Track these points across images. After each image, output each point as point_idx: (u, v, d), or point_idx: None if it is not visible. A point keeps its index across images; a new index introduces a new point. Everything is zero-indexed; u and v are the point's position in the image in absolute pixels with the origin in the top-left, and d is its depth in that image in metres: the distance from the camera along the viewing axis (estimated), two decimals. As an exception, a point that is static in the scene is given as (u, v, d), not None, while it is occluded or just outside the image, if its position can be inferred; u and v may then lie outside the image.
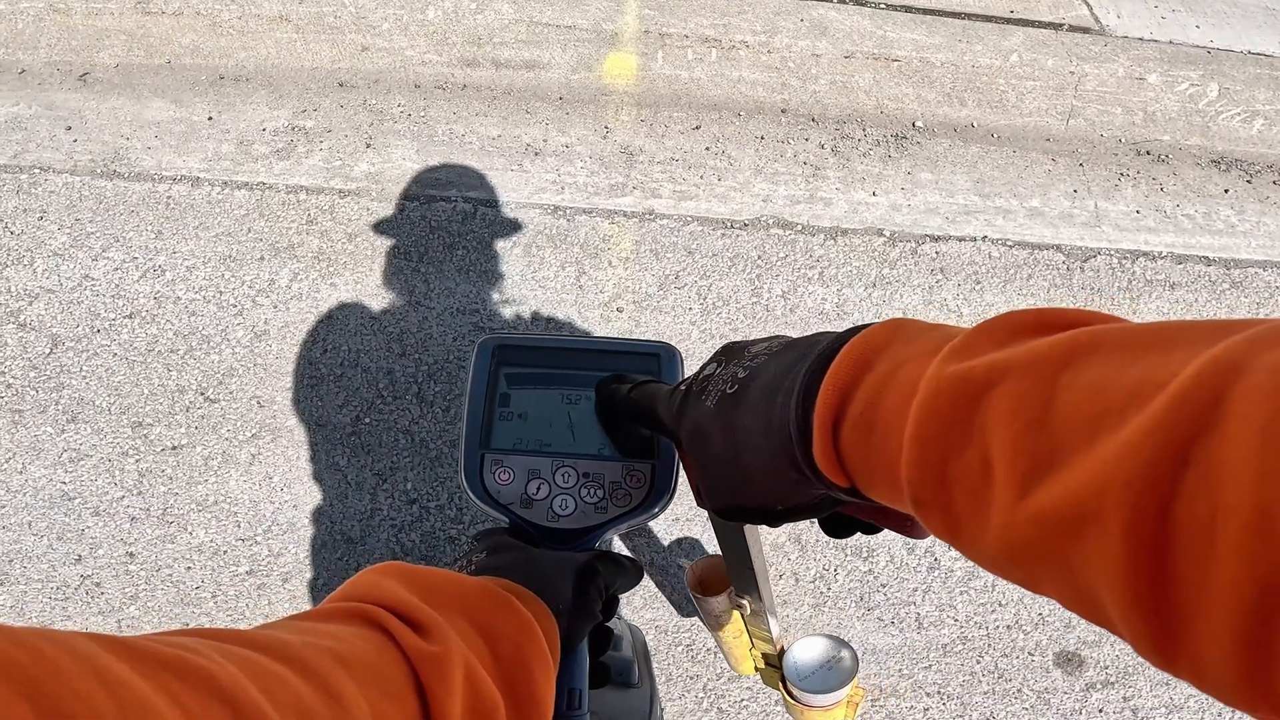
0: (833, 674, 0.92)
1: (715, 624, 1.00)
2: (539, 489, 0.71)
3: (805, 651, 0.94)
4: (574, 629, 0.63)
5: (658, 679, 2.04)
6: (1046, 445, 0.34)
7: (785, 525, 2.13)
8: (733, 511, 0.56)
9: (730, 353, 0.57)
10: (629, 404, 0.67)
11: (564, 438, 0.73)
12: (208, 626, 0.45)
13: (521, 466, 0.72)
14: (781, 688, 0.99)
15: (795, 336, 0.53)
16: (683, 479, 0.67)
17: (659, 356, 0.75)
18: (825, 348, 0.47)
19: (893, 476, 0.42)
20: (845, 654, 0.93)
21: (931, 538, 2.16)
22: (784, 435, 0.47)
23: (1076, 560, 0.33)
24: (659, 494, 0.71)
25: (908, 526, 0.53)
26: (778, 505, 0.52)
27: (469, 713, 0.50)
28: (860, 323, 0.48)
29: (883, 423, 0.42)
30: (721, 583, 0.94)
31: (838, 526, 0.57)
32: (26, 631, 0.32)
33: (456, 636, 0.52)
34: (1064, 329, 0.38)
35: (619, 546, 2.19)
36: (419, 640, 0.50)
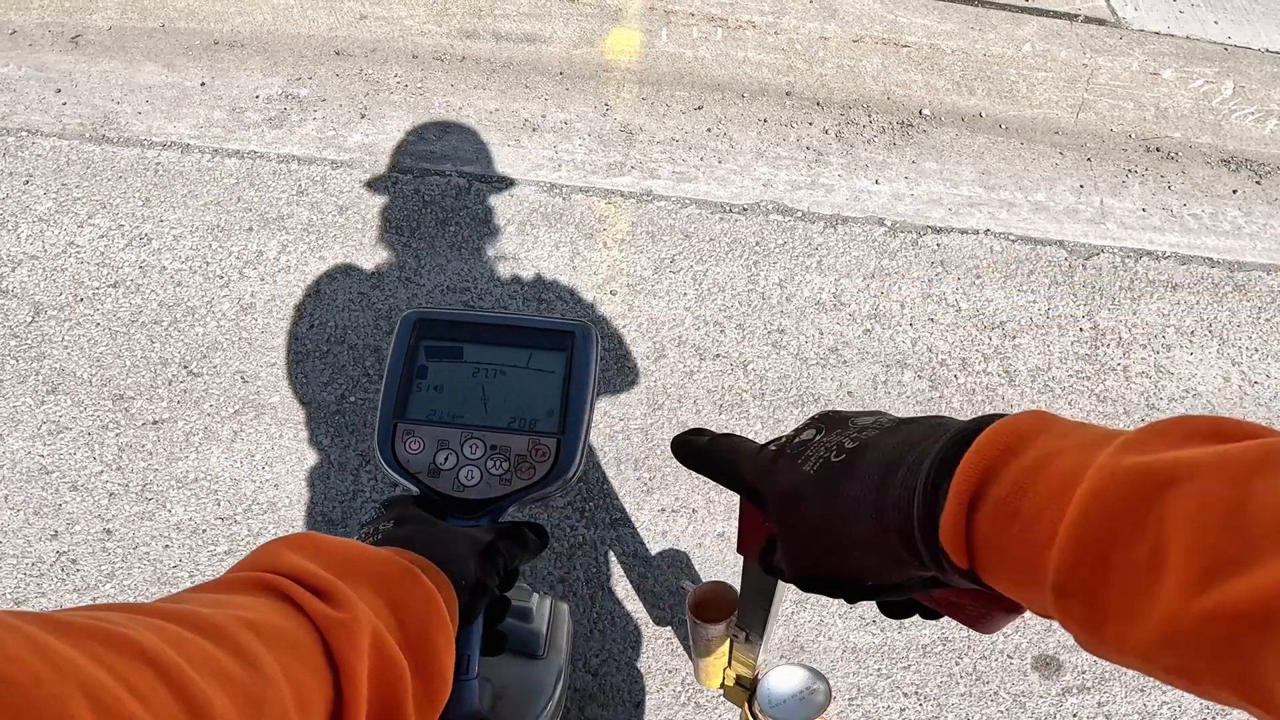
0: (804, 705, 0.90)
1: (704, 650, 0.99)
2: (447, 459, 0.73)
3: (782, 680, 0.93)
4: (474, 603, 0.65)
5: (640, 672, 2.02)
6: (1235, 544, 0.35)
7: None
8: (815, 581, 0.56)
9: (832, 421, 0.58)
10: (707, 456, 0.66)
11: (476, 410, 0.75)
12: (118, 602, 0.46)
13: (432, 437, 0.73)
14: (747, 709, 0.97)
15: (901, 416, 0.54)
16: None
17: (574, 334, 0.77)
18: (961, 429, 0.48)
19: (1032, 563, 0.42)
20: (820, 687, 0.91)
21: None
22: (902, 511, 0.48)
23: (1258, 658, 0.33)
24: (563, 469, 0.73)
25: (980, 620, 0.53)
26: (868, 580, 0.52)
27: (377, 679, 0.51)
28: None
29: (1031, 509, 0.42)
30: (722, 611, 0.95)
31: (899, 607, 0.57)
32: None
33: (364, 605, 0.53)
34: (1240, 439, 0.39)
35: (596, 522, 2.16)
36: (326, 608, 0.51)
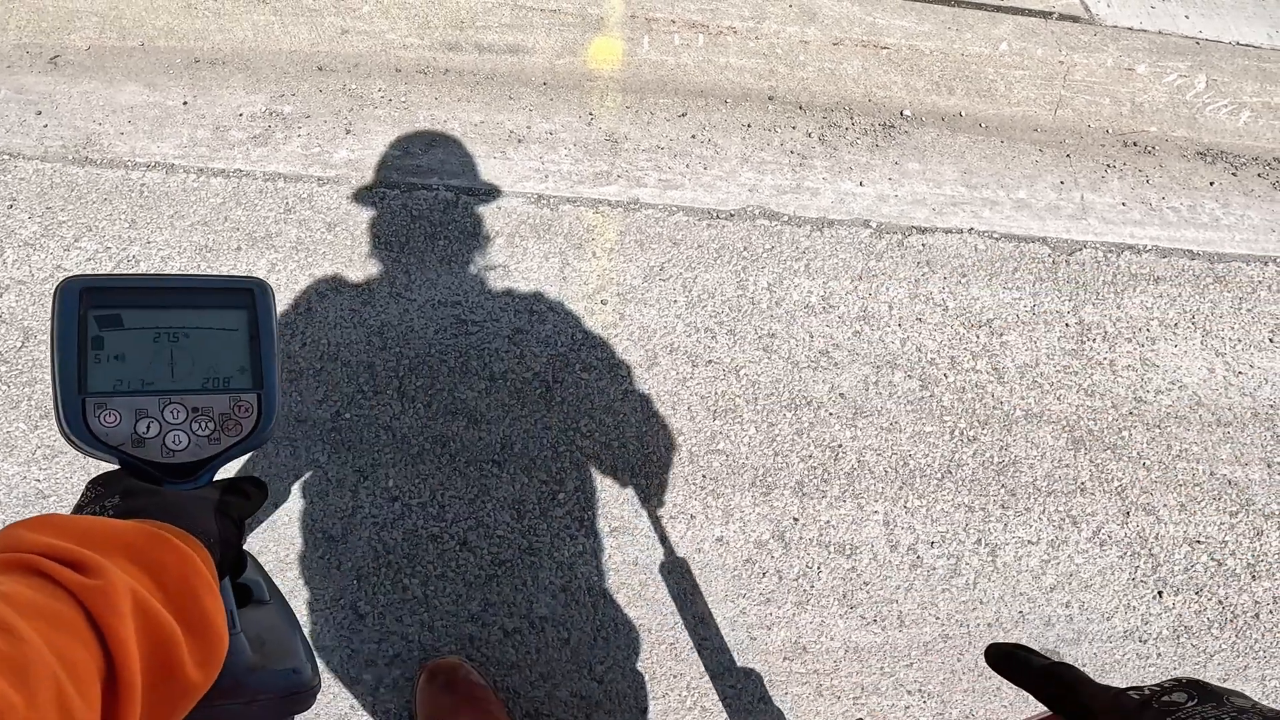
0: None
1: None
2: (149, 427, 0.72)
3: None
4: (225, 559, 0.67)
5: (644, 677, 2.03)
6: None
7: (765, 518, 2.11)
8: None
9: (1205, 692, 0.58)
10: (1046, 677, 0.67)
11: (166, 375, 0.74)
12: None
13: (127, 407, 0.72)
14: None
15: (1268, 708, 0.55)
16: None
17: (252, 292, 0.78)
18: None
19: None
20: None
21: (915, 536, 2.13)
22: None
23: None
24: (266, 420, 0.76)
25: None
26: None
27: (147, 641, 0.51)
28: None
29: None
30: None
31: None
32: None
33: (118, 571, 0.53)
34: None
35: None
36: (80, 577, 0.51)
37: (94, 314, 0.74)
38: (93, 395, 0.72)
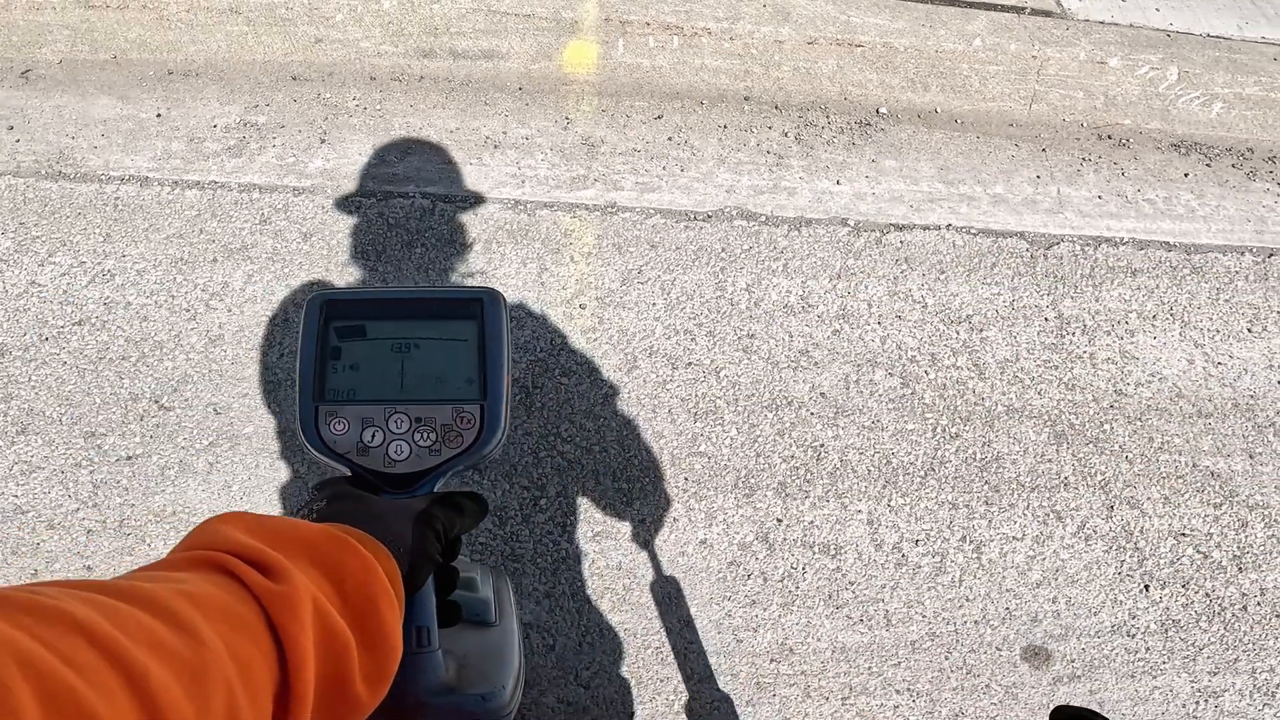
0: None
1: None
2: (374, 436, 0.73)
3: None
4: (416, 569, 0.65)
5: (630, 682, 2.02)
6: None
7: (748, 519, 2.10)
8: None
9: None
10: None
11: (394, 385, 0.75)
12: (59, 579, 0.46)
13: (355, 416, 0.73)
14: None
15: None
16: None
17: (482, 301, 0.77)
18: None
19: None
20: None
21: (900, 535, 2.13)
22: None
23: None
24: (490, 434, 0.74)
25: None
26: None
27: (321, 648, 0.51)
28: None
29: None
30: None
31: None
32: None
33: (302, 576, 0.53)
34: None
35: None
36: (266, 581, 0.51)
37: (334, 325, 0.76)
38: (326, 403, 0.74)
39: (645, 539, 2.20)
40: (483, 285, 0.80)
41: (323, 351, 0.75)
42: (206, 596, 0.47)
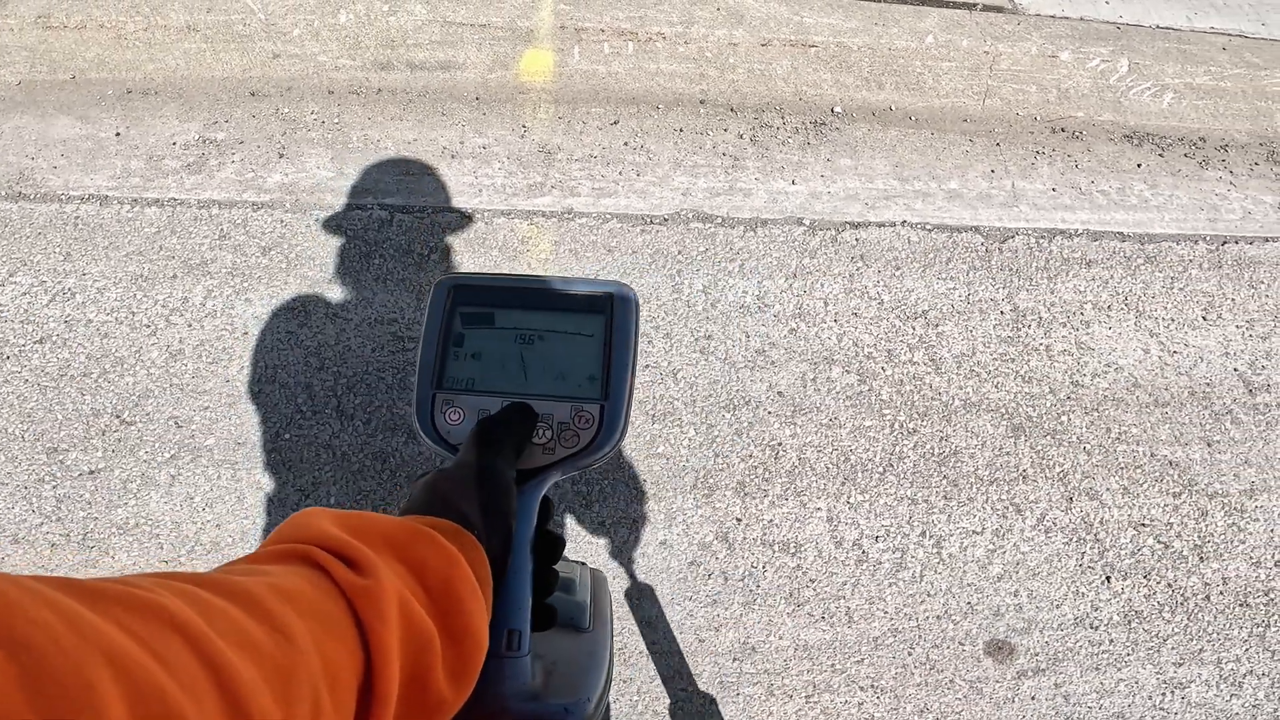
0: None
1: None
2: None
3: None
4: (492, 530, 0.62)
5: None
6: None
7: (708, 519, 2.12)
8: None
9: None
10: None
11: (515, 377, 0.72)
12: (156, 571, 0.46)
13: (472, 406, 0.71)
14: None
15: None
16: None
17: (613, 297, 0.74)
18: None
19: None
20: None
21: (860, 531, 2.14)
22: None
23: None
24: (608, 435, 0.70)
25: None
26: None
27: (405, 646, 0.50)
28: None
29: None
30: None
31: None
32: None
33: (388, 570, 0.52)
34: None
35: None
36: (354, 575, 0.50)
37: (460, 311, 0.74)
38: (444, 390, 0.72)
39: (606, 541, 2.22)
40: (615, 280, 0.77)
41: (445, 337, 0.73)
42: (298, 592, 0.47)
